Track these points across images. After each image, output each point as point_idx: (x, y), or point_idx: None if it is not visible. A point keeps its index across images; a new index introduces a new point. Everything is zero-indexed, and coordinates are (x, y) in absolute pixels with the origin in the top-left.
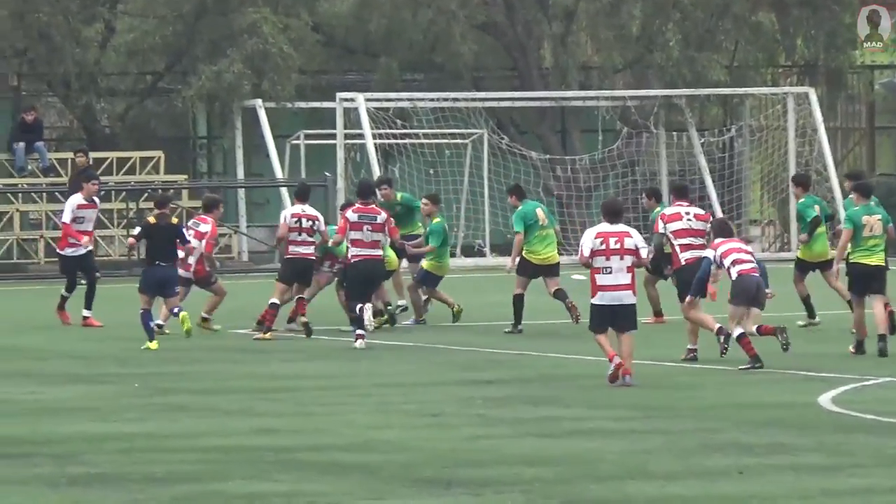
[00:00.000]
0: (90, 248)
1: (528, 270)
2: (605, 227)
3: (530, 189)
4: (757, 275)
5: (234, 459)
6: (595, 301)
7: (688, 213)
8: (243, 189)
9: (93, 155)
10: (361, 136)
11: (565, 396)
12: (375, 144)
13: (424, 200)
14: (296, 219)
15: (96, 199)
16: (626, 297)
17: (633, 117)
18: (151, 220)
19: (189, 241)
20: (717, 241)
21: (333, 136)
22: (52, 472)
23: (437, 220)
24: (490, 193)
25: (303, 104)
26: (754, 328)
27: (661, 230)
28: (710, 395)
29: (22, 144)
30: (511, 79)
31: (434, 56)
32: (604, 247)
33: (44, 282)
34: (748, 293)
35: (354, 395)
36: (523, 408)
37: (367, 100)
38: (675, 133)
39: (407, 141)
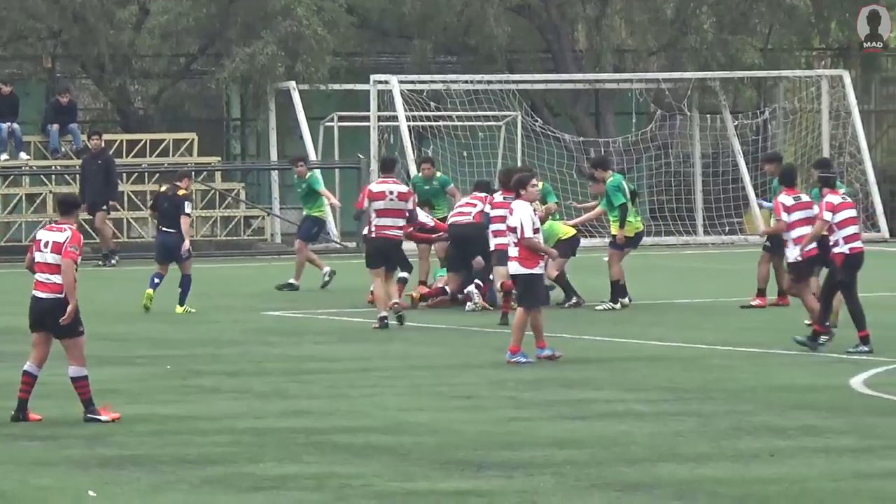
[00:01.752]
0: None
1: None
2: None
3: (563, 171)
4: None
5: (266, 441)
6: None
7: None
8: (277, 171)
9: (126, 137)
10: (395, 118)
11: (597, 379)
12: (409, 127)
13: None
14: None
15: None
16: (514, 269)
17: (666, 100)
18: (161, 188)
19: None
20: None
21: (367, 119)
22: (82, 453)
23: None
24: None
25: (336, 86)
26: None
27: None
28: (743, 377)
29: (56, 126)
30: (545, 61)
31: (468, 38)
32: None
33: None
34: None
35: (387, 377)
36: (555, 390)
37: (401, 82)
38: (708, 116)
39: (440, 123)
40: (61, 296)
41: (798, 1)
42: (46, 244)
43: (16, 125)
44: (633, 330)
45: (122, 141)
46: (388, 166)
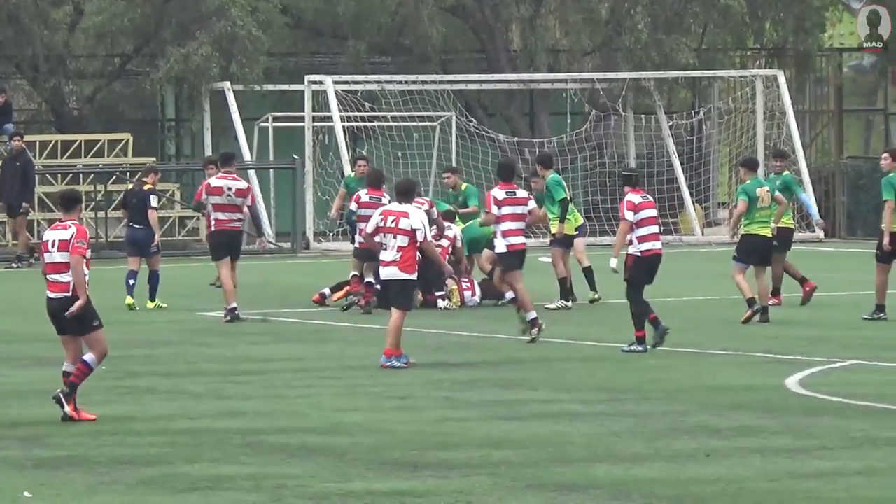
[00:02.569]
0: None
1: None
2: (392, 206)
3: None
4: None
5: (202, 442)
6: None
7: None
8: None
9: (61, 137)
10: (330, 118)
11: (533, 379)
12: (344, 127)
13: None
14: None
15: None
16: (392, 273)
17: (601, 100)
18: (129, 186)
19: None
20: None
21: (302, 119)
22: (18, 454)
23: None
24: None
25: (271, 87)
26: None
27: None
28: (678, 377)
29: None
30: (479, 61)
31: (402, 39)
32: (383, 224)
33: (10, 264)
34: None
35: (322, 377)
36: (491, 390)
37: (336, 82)
38: (643, 116)
39: (375, 123)
40: (69, 294)
41: (732, 1)
42: (53, 244)
43: None
44: (570, 330)
45: (56, 141)
46: (227, 161)
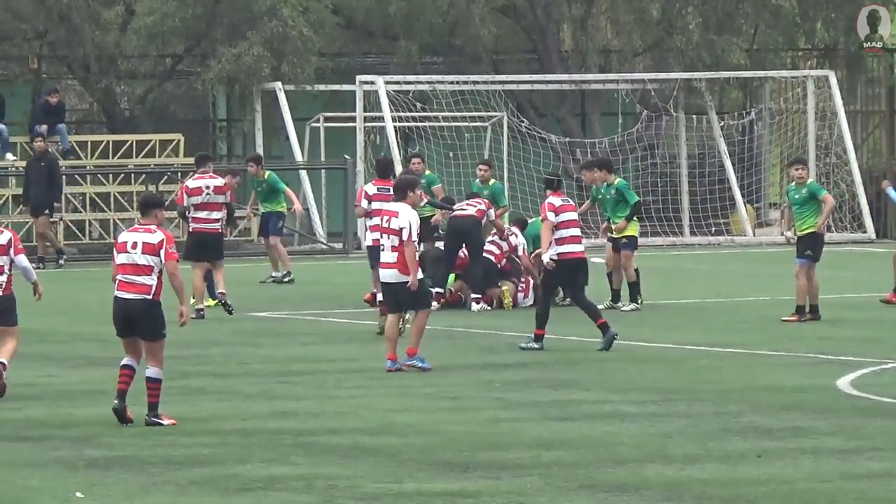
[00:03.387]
0: None
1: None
2: (389, 204)
3: (550, 172)
4: None
5: (253, 443)
6: None
7: None
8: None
9: (112, 137)
10: (381, 118)
11: (584, 379)
12: (395, 127)
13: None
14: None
15: None
16: (393, 276)
17: (652, 100)
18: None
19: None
20: None
21: (353, 119)
22: (70, 454)
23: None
24: (510, 176)
25: (322, 87)
26: None
27: None
28: (730, 378)
29: (44, 127)
30: (530, 62)
31: (453, 39)
32: (379, 223)
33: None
34: None
35: (374, 378)
36: (542, 391)
37: (387, 83)
38: (694, 116)
39: (426, 124)
40: (149, 297)
41: (783, 1)
42: (135, 245)
43: (2, 126)
44: (621, 331)
45: (108, 142)
46: (202, 162)
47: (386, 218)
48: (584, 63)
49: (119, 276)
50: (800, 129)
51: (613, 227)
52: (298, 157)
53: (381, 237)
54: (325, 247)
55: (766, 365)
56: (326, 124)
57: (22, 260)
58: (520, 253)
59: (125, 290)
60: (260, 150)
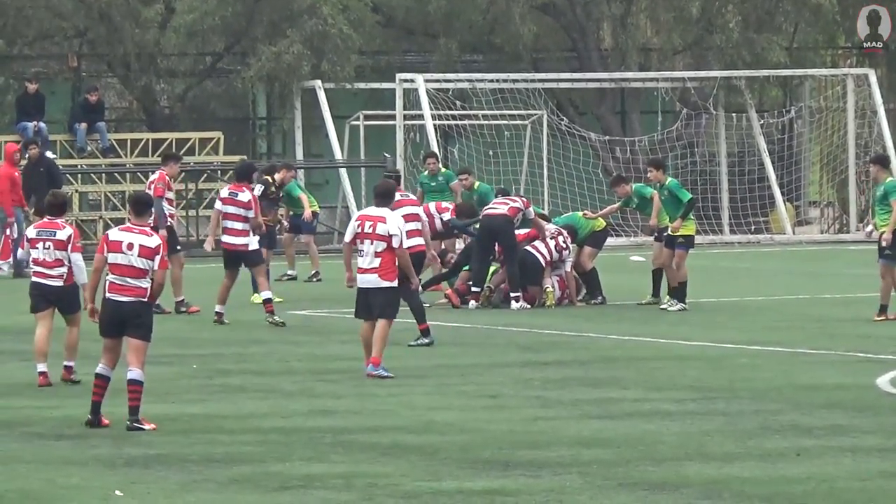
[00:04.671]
0: None
1: None
2: (369, 210)
3: (589, 170)
4: None
5: (293, 441)
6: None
7: None
8: (303, 170)
9: (152, 135)
10: (421, 117)
11: (624, 378)
12: (435, 125)
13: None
14: None
15: None
16: (373, 281)
17: (692, 99)
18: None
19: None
20: None
21: (393, 117)
22: (109, 452)
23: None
24: (549, 174)
25: (362, 85)
26: None
27: None
28: (769, 376)
29: (84, 125)
30: (570, 60)
31: (493, 37)
32: (360, 230)
33: None
34: None
35: (413, 376)
36: (582, 389)
37: (427, 81)
38: (734, 114)
39: (466, 122)
40: (144, 299)
41: None
42: (130, 246)
43: (42, 124)
44: (660, 329)
45: (147, 140)
46: (244, 173)
47: (370, 223)
48: (624, 61)
49: (112, 277)
50: (839, 127)
51: (670, 226)
52: (338, 155)
53: (364, 242)
54: None
55: (806, 363)
56: (366, 122)
57: (77, 259)
58: (567, 268)
59: (119, 292)
60: (299, 149)
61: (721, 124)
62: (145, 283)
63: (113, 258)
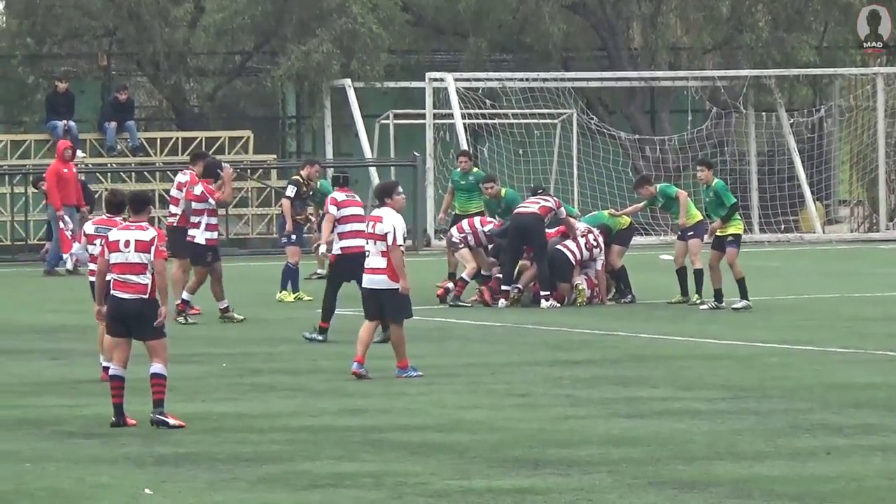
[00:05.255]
0: None
1: None
2: (376, 210)
3: (619, 169)
4: None
5: (322, 439)
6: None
7: None
8: (332, 169)
9: (181, 134)
10: (451, 116)
11: (654, 377)
12: (465, 124)
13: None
14: None
15: None
16: (383, 282)
17: (722, 98)
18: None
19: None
20: None
21: (423, 116)
22: (139, 451)
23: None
24: (579, 174)
25: (392, 84)
26: None
27: None
28: (799, 375)
29: (114, 124)
30: (600, 59)
31: (523, 36)
32: (366, 229)
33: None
34: None
35: (443, 375)
36: (611, 388)
37: (457, 80)
38: (764, 113)
39: (496, 121)
40: (146, 296)
41: None
42: (127, 244)
43: (72, 123)
44: (690, 328)
45: (177, 138)
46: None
47: (371, 224)
48: (654, 60)
49: (114, 276)
50: (869, 126)
51: (710, 226)
52: (368, 154)
53: (368, 243)
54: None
55: (836, 362)
56: (396, 121)
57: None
58: (598, 267)
59: (121, 289)
60: (329, 148)
61: (751, 123)
62: (145, 279)
63: (113, 258)
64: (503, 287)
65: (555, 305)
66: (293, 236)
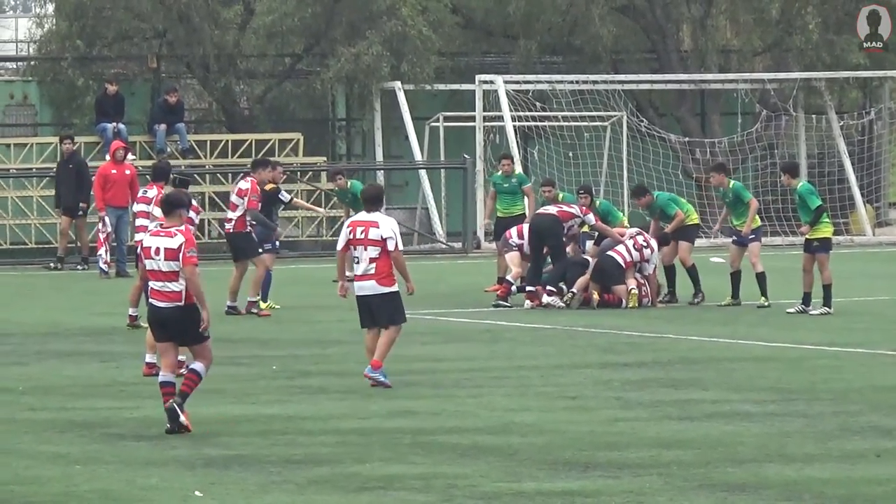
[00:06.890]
0: None
1: None
2: (360, 216)
3: (669, 172)
4: None
5: (372, 442)
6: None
7: None
8: (382, 171)
9: (231, 137)
10: (500, 118)
11: (703, 379)
12: (514, 127)
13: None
14: None
15: None
16: (372, 288)
17: (772, 100)
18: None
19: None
20: None
21: (472, 119)
22: (188, 453)
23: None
24: (629, 176)
25: (442, 86)
26: None
27: None
28: (849, 377)
29: (163, 126)
30: (650, 61)
31: (573, 38)
32: (352, 236)
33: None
34: None
35: (493, 377)
36: (662, 390)
37: (507, 82)
38: (814, 116)
39: (546, 123)
40: (181, 303)
41: None
42: (157, 251)
43: (122, 125)
44: (740, 330)
45: (227, 141)
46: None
47: (362, 229)
48: (704, 63)
49: (151, 283)
50: None
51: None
52: (418, 156)
53: (358, 248)
54: (444, 246)
55: (886, 365)
56: (446, 124)
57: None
58: (649, 271)
59: (157, 298)
60: (379, 150)
61: (801, 126)
62: (178, 286)
63: (148, 264)
64: (527, 288)
65: (558, 304)
66: (277, 243)
